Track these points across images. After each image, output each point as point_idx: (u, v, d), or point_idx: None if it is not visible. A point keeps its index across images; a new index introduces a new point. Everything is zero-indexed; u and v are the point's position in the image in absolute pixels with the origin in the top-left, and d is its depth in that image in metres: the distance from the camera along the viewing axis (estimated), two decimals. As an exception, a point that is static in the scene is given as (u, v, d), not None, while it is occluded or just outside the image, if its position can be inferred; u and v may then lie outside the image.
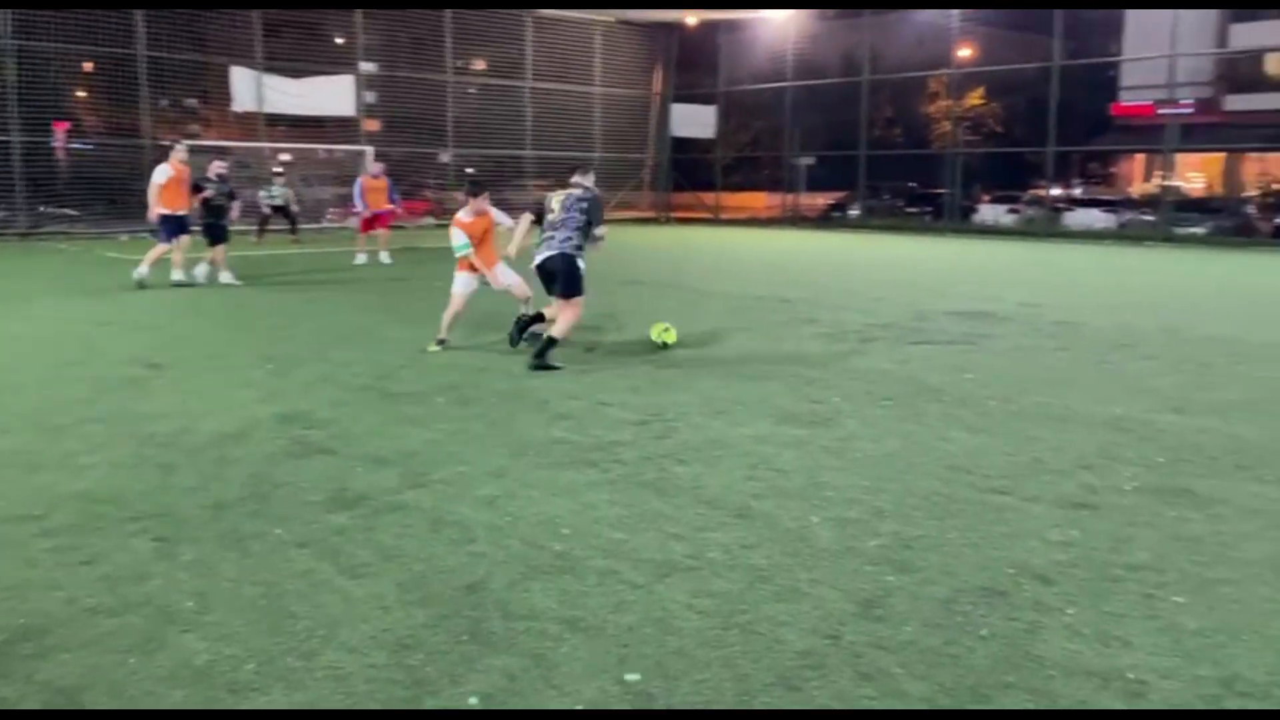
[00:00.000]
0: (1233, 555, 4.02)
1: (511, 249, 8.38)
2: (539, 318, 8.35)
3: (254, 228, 21.54)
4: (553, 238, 7.91)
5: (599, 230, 8.00)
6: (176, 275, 13.18)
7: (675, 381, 7.38)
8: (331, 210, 27.49)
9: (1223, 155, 36.71)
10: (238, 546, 4.06)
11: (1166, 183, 27.50)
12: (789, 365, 8.02)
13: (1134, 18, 33.16)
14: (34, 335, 9.54)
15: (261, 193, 22.10)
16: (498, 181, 31.60)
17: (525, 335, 8.41)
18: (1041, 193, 29.57)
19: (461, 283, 8.65)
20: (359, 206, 16.90)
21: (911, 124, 37.61)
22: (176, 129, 24.89)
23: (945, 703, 2.91)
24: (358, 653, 3.18)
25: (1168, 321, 10.63)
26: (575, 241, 7.89)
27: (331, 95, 26.72)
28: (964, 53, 31.88)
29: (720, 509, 4.55)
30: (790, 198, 33.98)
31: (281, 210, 21.80)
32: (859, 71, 30.86)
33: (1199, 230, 25.25)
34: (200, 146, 23.11)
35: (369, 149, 26.46)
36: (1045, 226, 27.59)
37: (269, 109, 25.76)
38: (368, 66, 28.17)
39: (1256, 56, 34.15)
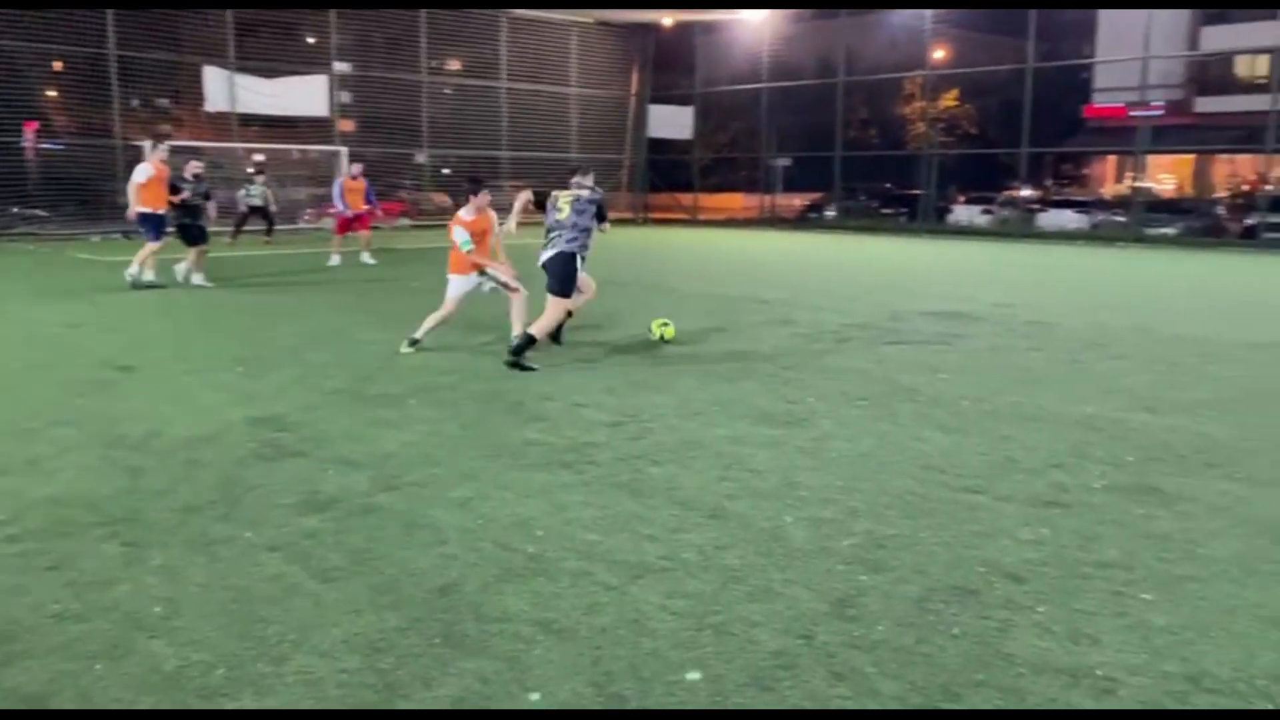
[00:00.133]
0: (1200, 553, 4.06)
1: (511, 224, 8.60)
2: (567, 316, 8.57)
3: (230, 228, 21.37)
4: (560, 236, 8.07)
5: (604, 225, 8.35)
6: (148, 276, 13.06)
7: (651, 382, 7.38)
8: (307, 211, 27.32)
9: (1193, 157, 37.17)
10: (207, 551, 4.02)
11: (1138, 184, 27.80)
12: (765, 366, 8.04)
13: (1106, 20, 33.53)
14: (2, 337, 9.43)
15: (240, 192, 21.94)
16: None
17: (558, 333, 8.65)
18: (1015, 194, 29.82)
19: (456, 286, 8.49)
20: (339, 207, 16.83)
21: (887, 125, 37.82)
22: (148, 129, 24.61)
23: (917, 701, 2.92)
24: (329, 657, 3.16)
25: (1139, 321, 10.73)
26: (580, 242, 8.08)
27: (305, 95, 26.56)
28: (938, 54, 32.11)
29: (694, 510, 4.56)
30: (767, 199, 34.11)
31: (259, 211, 21.61)
32: (834, 73, 31.01)
33: (1170, 231, 25.54)
34: (172, 147, 22.93)
35: (343, 149, 26.33)
36: (1019, 227, 27.82)
37: (242, 109, 25.59)
38: (342, 66, 28.03)
39: (1226, 59, 34.61)
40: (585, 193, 8.25)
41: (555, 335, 8.62)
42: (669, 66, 35.41)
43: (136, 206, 12.80)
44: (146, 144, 21.52)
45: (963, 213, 31.19)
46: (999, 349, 8.96)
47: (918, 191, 30.80)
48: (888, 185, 34.51)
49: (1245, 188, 31.99)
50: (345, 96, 28.83)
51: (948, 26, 31.64)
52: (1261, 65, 31.51)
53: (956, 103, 36.84)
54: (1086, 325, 10.37)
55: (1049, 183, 36.02)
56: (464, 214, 8.43)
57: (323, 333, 9.67)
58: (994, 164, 33.75)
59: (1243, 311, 11.88)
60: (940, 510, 4.56)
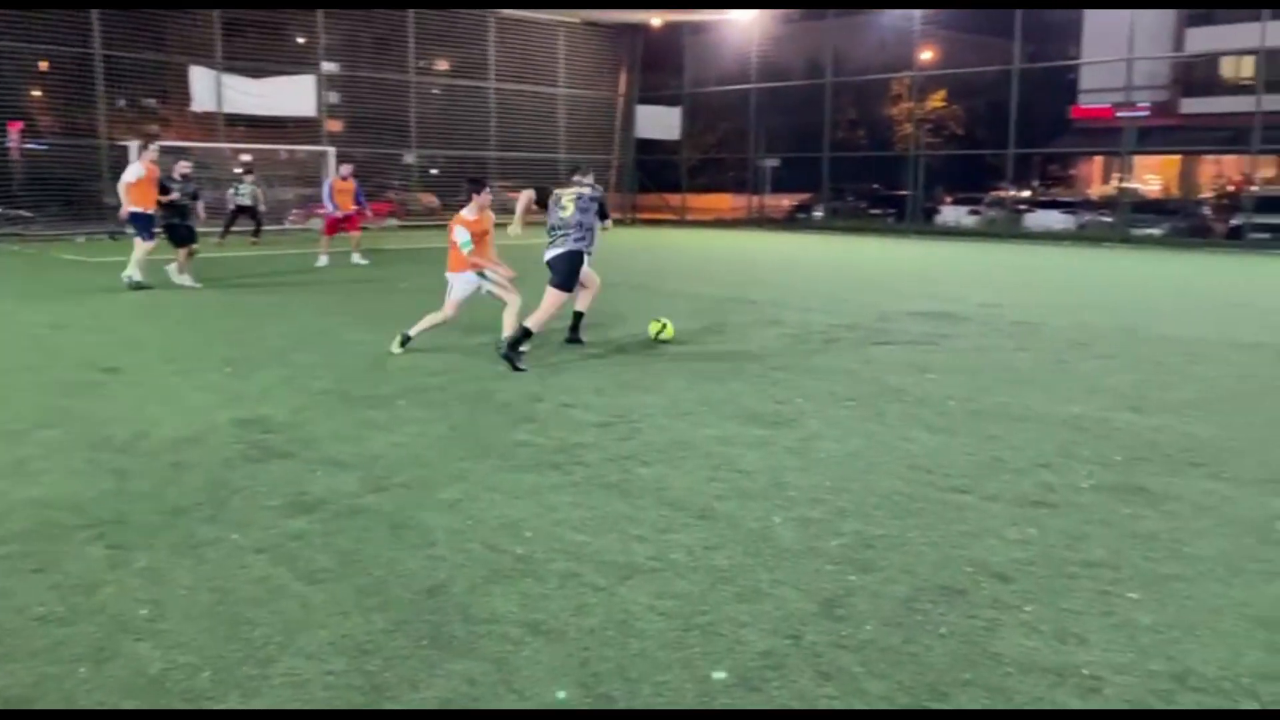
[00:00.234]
0: (1186, 552, 4.08)
1: (516, 226, 8.67)
2: (579, 316, 8.77)
3: (219, 229, 21.30)
4: (567, 235, 8.23)
5: (606, 222, 8.55)
6: (137, 276, 13.01)
7: (640, 383, 7.38)
8: (294, 211, 27.23)
9: (1179, 158, 37.38)
10: (193, 553, 4.00)
11: (1124, 185, 27.94)
12: (754, 366, 8.05)
13: (1092, 22, 33.69)
14: (-14, 339, 9.36)
15: (230, 190, 21.89)
16: (461, 182, 31.51)
17: (576, 333, 8.84)
18: (1002, 194, 29.93)
19: (459, 289, 8.38)
20: (329, 208, 16.82)
21: (874, 126, 37.93)
22: (134, 129, 24.55)
23: (904, 701, 2.93)
24: (316, 659, 3.15)
25: (1125, 321, 10.79)
26: (588, 240, 8.27)
27: (292, 95, 26.47)
28: (926, 56, 32.20)
29: (683, 510, 4.55)
30: (755, 199, 34.15)
31: (248, 210, 21.50)
32: (822, 74, 31.08)
33: (1156, 231, 25.68)
34: (161, 147, 22.84)
35: (331, 150, 26.25)
36: (1006, 228, 27.92)
37: (229, 109, 25.49)
38: (329, 66, 27.94)
39: (1212, 60, 34.80)
40: (587, 190, 8.38)
41: (575, 335, 8.77)
42: (657, 67, 35.41)
43: (129, 206, 12.81)
44: (133, 144, 21.54)
45: (950, 213, 31.30)
46: (986, 349, 8.99)
47: (905, 192, 30.90)
48: (875, 186, 34.61)
49: (1230, 188, 32.19)
50: (333, 97, 28.75)
51: (935, 28, 31.74)
52: (1246, 66, 31.71)
53: (944, 104, 36.98)
54: (1073, 325, 10.42)
55: (1036, 183, 36.17)
56: (466, 213, 8.40)
57: (310, 333, 9.64)
58: (981, 165, 33.87)
59: (1228, 312, 11.95)
60: (928, 510, 4.57)
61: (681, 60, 34.27)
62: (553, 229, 8.35)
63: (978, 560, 3.97)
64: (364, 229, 18.36)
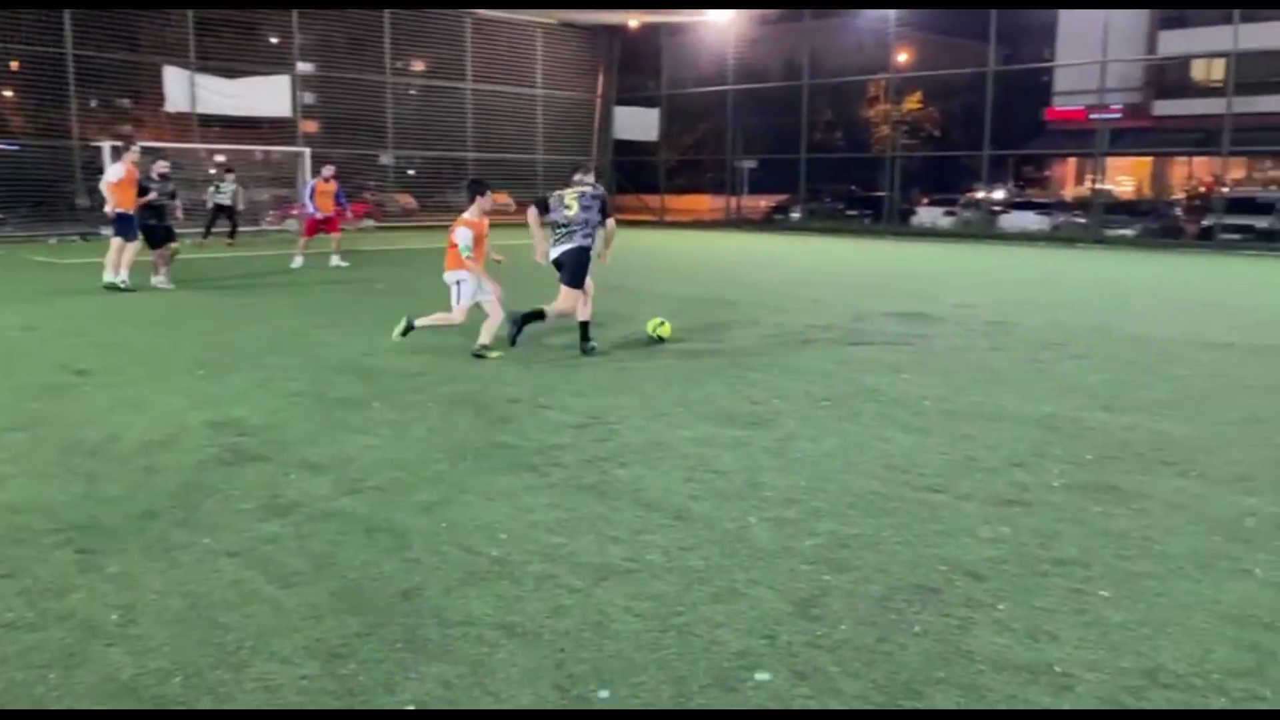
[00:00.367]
0: (1156, 549, 4.12)
1: (537, 254, 8.64)
2: (585, 325, 8.68)
3: (199, 229, 21.28)
4: (574, 233, 8.39)
5: (609, 221, 8.62)
6: (108, 277, 12.91)
7: (617, 384, 7.38)
8: (271, 212, 27.05)
9: (1151, 159, 37.76)
10: (165, 557, 3.97)
11: (1098, 186, 28.19)
12: (731, 367, 8.06)
13: (1066, 24, 33.99)
14: (-45, 342, 9.24)
15: (210, 189, 21.83)
16: (439, 183, 31.42)
17: (588, 341, 8.69)
18: (978, 195, 30.14)
19: (470, 289, 8.39)
20: (310, 208, 16.77)
21: (851, 128, 38.10)
22: (107, 129, 24.32)
23: (879, 700, 2.94)
24: (289, 663, 3.13)
25: (1098, 321, 10.88)
26: (593, 237, 8.44)
27: (267, 96, 26.29)
28: (902, 58, 32.39)
29: (659, 511, 4.56)
30: (733, 200, 34.23)
31: (226, 210, 21.44)
32: (799, 75, 31.18)
33: (1128, 232, 25.93)
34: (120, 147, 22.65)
35: (306, 150, 26.10)
36: (981, 229, 28.12)
37: (202, 109, 25.28)
38: (304, 67, 27.77)
39: (1183, 63, 35.18)
40: (589, 189, 8.53)
41: (587, 344, 8.63)
42: (635, 68, 35.44)
43: (114, 207, 12.81)
44: (106, 145, 21.34)
45: (926, 214, 31.50)
46: (960, 349, 9.05)
47: (882, 193, 31.07)
48: (852, 187, 34.79)
49: (1202, 190, 32.57)
50: (308, 97, 28.57)
51: (911, 30, 31.94)
52: (1217, 69, 32.08)
53: (920, 105, 37.19)
54: (1046, 325, 10.50)
55: (1010, 185, 36.45)
56: (470, 215, 8.40)
57: (285, 335, 9.57)
58: (957, 166, 34.10)
59: (1199, 312, 12.08)
60: (902, 509, 4.60)
61: (659, 61, 34.31)
62: (558, 227, 8.48)
63: (951, 559, 4.00)
64: (343, 230, 18.30)
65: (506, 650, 3.22)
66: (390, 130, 29.28)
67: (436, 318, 8.59)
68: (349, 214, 18.59)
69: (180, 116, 25.38)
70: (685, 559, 3.99)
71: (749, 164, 33.80)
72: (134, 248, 12.87)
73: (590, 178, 8.74)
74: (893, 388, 7.30)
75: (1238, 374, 7.98)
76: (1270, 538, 4.26)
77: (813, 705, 2.92)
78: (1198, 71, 35.72)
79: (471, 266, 8.30)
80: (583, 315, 8.64)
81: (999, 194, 31.07)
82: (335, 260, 16.68)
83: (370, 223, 27.49)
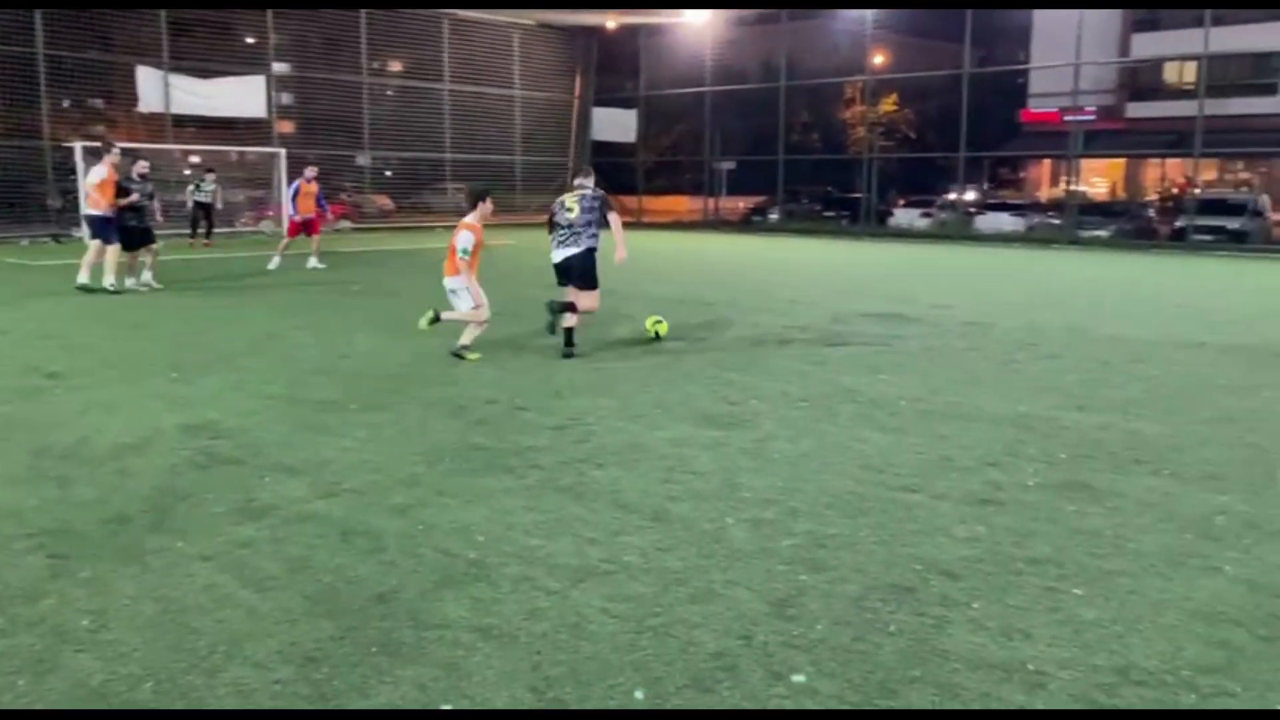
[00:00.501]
0: (1129, 547, 4.16)
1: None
2: (570, 307, 8.65)
3: (183, 232, 21.32)
4: (579, 235, 8.55)
5: (613, 218, 8.75)
6: (82, 278, 12.80)
7: (594, 385, 7.37)
8: (246, 213, 26.86)
9: (1124, 161, 38.13)
10: (137, 562, 3.93)
11: (1072, 187, 28.42)
12: (708, 368, 8.07)
13: (1041, 27, 34.24)
14: (-77, 345, 9.12)
15: (190, 187, 21.77)
16: (417, 184, 31.29)
17: (570, 347, 8.60)
18: (954, 197, 30.32)
19: (473, 287, 8.37)
20: (289, 210, 16.73)
21: (828, 129, 38.23)
22: (79, 130, 24.06)
23: (854, 699, 2.95)
24: (263, 668, 3.10)
25: (1072, 321, 10.97)
26: (595, 236, 8.59)
27: (242, 96, 26.07)
28: (878, 60, 32.53)
29: (637, 512, 4.56)
30: (711, 202, 34.27)
31: (205, 208, 21.41)
32: (777, 77, 31.26)
33: (1102, 233, 26.14)
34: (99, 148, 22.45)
35: (281, 151, 25.92)
36: (957, 230, 28.28)
37: (176, 110, 25.05)
38: (280, 67, 27.58)
39: (1156, 65, 35.55)
40: (589, 191, 8.71)
41: (566, 347, 8.53)
42: (613, 69, 35.41)
43: (91, 209, 12.88)
44: (78, 145, 21.14)
45: (903, 216, 31.64)
46: (937, 350, 9.10)
47: (859, 195, 31.18)
48: (830, 188, 34.91)
49: (1174, 191, 32.89)
50: (284, 97, 28.37)
51: (887, 32, 32.09)
52: (1189, 72, 32.43)
53: (896, 107, 37.36)
54: (1021, 326, 10.58)
55: (986, 186, 36.70)
56: (471, 219, 8.40)
57: (261, 337, 9.50)
58: (933, 168, 34.29)
59: (1172, 312, 12.20)
60: (879, 509, 4.62)
61: (637, 63, 34.30)
62: (560, 229, 8.64)
63: (927, 558, 4.02)
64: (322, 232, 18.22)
65: (482, 653, 3.21)
66: (367, 131, 29.13)
67: (474, 315, 8.52)
68: (329, 216, 18.53)
69: (154, 117, 25.12)
70: (662, 560, 3.99)
71: (727, 165, 33.86)
72: (115, 250, 12.78)
73: (590, 180, 8.92)
74: (870, 388, 7.33)
75: (1209, 373, 8.07)
76: (1240, 536, 4.31)
77: (788, 706, 2.92)
78: (1170, 74, 36.11)
79: (464, 270, 8.26)
80: (568, 321, 8.61)
81: (968, 195, 31.24)
82: (313, 262, 16.59)
83: (347, 224, 27.32)
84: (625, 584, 3.76)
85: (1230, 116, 28.77)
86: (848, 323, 10.72)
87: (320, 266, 16.47)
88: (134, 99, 24.84)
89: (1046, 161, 39.57)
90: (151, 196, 13.66)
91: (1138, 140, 34.23)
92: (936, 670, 3.12)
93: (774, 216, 32.62)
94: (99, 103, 27.09)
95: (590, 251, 8.58)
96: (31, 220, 23.12)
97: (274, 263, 16.27)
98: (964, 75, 27.40)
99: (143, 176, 13.35)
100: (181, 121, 25.57)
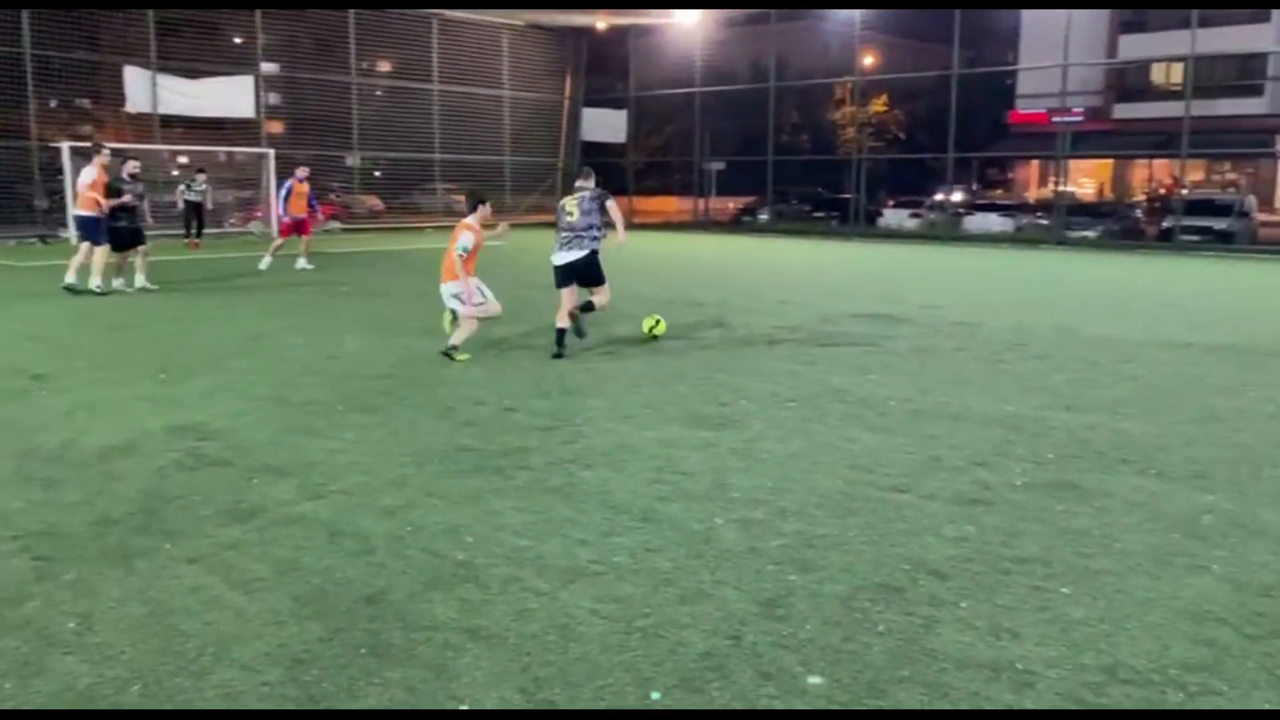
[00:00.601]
0: (1116, 547, 4.17)
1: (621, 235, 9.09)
2: (589, 306, 8.83)
3: (182, 232, 21.37)
4: (581, 238, 8.66)
5: (610, 204, 8.83)
6: (69, 279, 12.74)
7: (584, 386, 7.37)
8: (236, 214, 26.77)
9: (1112, 161, 38.31)
10: (124, 564, 3.91)
11: (1060, 188, 28.53)
12: (698, 368, 8.08)
13: (1029, 28, 34.42)
14: (-92, 346, 9.06)
15: (181, 187, 21.74)
16: (406, 185, 31.23)
17: (561, 347, 8.62)
18: (942, 198, 30.41)
19: (475, 288, 8.40)
20: (280, 210, 16.73)
21: (818, 130, 38.34)
22: (67, 130, 23.95)
23: (843, 699, 2.95)
24: (250, 670, 3.09)
25: (1060, 322, 11.01)
26: (598, 239, 8.74)
27: (230, 96, 25.96)
28: (867, 61, 32.63)
29: (626, 513, 4.55)
30: (701, 202, 34.29)
31: (196, 208, 21.42)
32: (766, 78, 31.30)
33: (1090, 234, 26.23)
34: (89, 149, 22.36)
35: (270, 152, 25.85)
36: (946, 230, 28.36)
37: (164, 110, 24.94)
38: (268, 67, 27.49)
39: (1143, 66, 35.73)
40: (588, 193, 8.81)
41: (560, 349, 8.57)
42: (603, 70, 35.41)
43: (81, 210, 12.84)
44: (65, 146, 21.05)
45: (892, 216, 31.72)
46: (926, 350, 9.12)
47: (848, 195, 31.23)
48: (819, 189, 34.98)
49: (1161, 192, 33.05)
50: (273, 98, 28.28)
51: (876, 33, 32.19)
52: (1176, 73, 32.62)
53: (885, 108, 37.47)
54: (1010, 326, 10.61)
55: (975, 187, 36.82)
56: (472, 221, 8.45)
57: (248, 338, 9.47)
58: (922, 168, 34.38)
59: (1159, 312, 12.26)
60: (867, 509, 4.62)
61: (627, 63, 34.31)
62: (561, 232, 8.74)
63: (915, 558, 4.03)
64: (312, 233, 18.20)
65: (471, 654, 3.20)
66: (356, 131, 29.05)
67: (481, 310, 8.59)
68: (319, 216, 18.51)
69: (141, 117, 25.01)
70: (652, 560, 3.99)
71: (717, 166, 33.89)
72: (103, 251, 12.72)
73: (590, 182, 9.00)
74: (859, 388, 7.34)
75: (1196, 373, 8.11)
76: (1226, 535, 4.33)
77: (778, 705, 2.93)
78: (1157, 75, 36.31)
79: (460, 272, 8.27)
80: (561, 322, 8.64)
81: (956, 196, 31.34)
82: (301, 263, 16.55)
83: (336, 225, 27.25)
84: (614, 585, 3.75)
85: (1217, 117, 28.95)
86: (837, 323, 10.74)
87: (309, 267, 16.44)
88: (121, 99, 24.73)
89: (1035, 162, 39.74)
90: (142, 197, 13.63)
91: (1125, 141, 34.40)
92: (925, 670, 3.12)
93: (764, 217, 32.66)
94: (86, 103, 26.98)
95: (593, 254, 8.70)
96: (18, 221, 22.99)
97: (265, 263, 16.22)
98: (953, 76, 27.48)
99: (133, 177, 13.30)
100: (169, 122, 25.46)
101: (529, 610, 3.53)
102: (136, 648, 3.23)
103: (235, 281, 14.83)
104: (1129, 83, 37.55)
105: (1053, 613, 3.53)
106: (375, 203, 30.83)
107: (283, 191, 16.87)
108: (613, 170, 35.16)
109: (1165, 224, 26.08)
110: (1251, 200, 28.23)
